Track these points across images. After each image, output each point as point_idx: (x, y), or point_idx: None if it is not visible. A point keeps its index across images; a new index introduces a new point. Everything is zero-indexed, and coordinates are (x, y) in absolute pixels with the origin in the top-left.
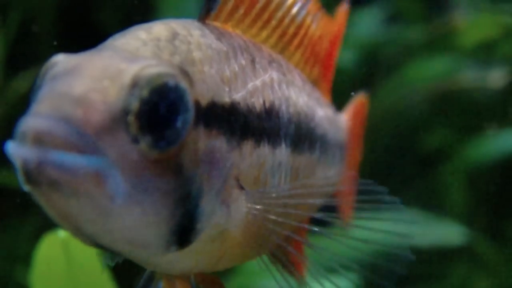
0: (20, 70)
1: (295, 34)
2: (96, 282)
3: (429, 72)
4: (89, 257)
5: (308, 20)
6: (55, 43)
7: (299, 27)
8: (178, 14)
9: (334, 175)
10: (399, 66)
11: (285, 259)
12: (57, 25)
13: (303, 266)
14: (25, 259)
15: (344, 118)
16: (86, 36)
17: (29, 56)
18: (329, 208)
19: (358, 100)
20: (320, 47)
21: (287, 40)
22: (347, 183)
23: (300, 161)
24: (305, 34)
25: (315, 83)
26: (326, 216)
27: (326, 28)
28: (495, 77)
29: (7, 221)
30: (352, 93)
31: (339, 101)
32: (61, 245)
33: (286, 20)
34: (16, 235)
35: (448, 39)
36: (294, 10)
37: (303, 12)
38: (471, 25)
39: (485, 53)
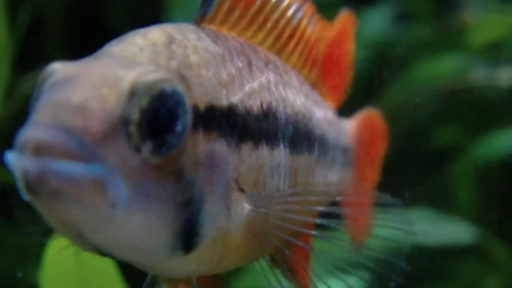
0: (29, 70)
1: (291, 36)
2: (106, 283)
3: (439, 71)
4: (98, 258)
5: (304, 23)
6: (64, 42)
7: (295, 29)
8: (187, 12)
9: (336, 178)
10: (408, 64)
11: (284, 263)
12: (66, 24)
13: (304, 271)
14: (35, 259)
15: (350, 123)
16: (95, 35)
17: (38, 56)
18: (332, 215)
19: (369, 113)
20: (317, 50)
21: (283, 42)
22: (356, 193)
23: (299, 161)
24: (301, 36)
25: (314, 85)
26: (330, 223)
27: (322, 32)
28: (504, 76)
29: (17, 221)
30: (363, 97)
31: (349, 100)
32: (71, 245)
33: (282, 22)
34: (27, 235)
35: (458, 38)
36: (289, 12)
37: (299, 15)
38: (481, 24)
39: (494, 52)
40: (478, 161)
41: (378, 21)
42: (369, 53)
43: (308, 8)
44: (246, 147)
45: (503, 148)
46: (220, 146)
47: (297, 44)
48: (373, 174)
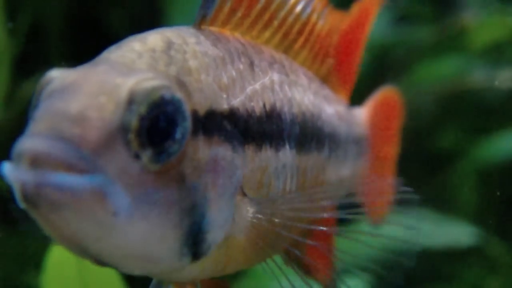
0: (29, 75)
1: (300, 33)
2: (107, 287)
3: (439, 73)
4: None
5: (314, 17)
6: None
7: (304, 25)
8: (186, 17)
9: (349, 171)
10: (409, 67)
11: (299, 260)
12: (66, 29)
13: (325, 265)
14: (37, 263)
15: (362, 112)
16: (95, 40)
17: (38, 61)
18: (350, 206)
19: (383, 93)
20: (330, 43)
21: (292, 39)
22: (372, 179)
23: (307, 161)
24: (311, 31)
25: (325, 79)
26: (349, 213)
27: (335, 23)
28: (505, 78)
29: (18, 225)
30: (363, 100)
31: (350, 101)
32: None
33: (290, 19)
34: (28, 239)
35: (458, 40)
36: (298, 8)
37: (308, 10)
38: (481, 26)
39: (495, 53)
40: (479, 163)
41: (378, 24)
42: (370, 56)
43: (319, 2)
44: (249, 150)
45: (504, 150)
46: (221, 150)
47: (307, 40)
48: (392, 150)
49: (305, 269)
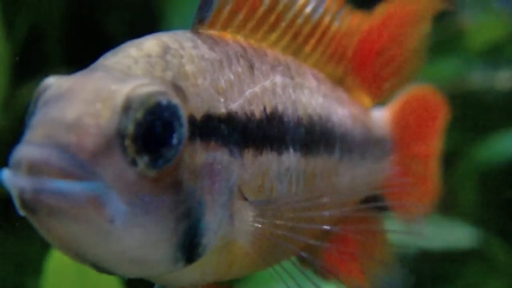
0: (27, 80)
1: (310, 34)
2: None
3: (438, 74)
4: None
5: (327, 19)
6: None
7: (316, 26)
8: (184, 21)
9: (367, 173)
10: None
11: (316, 261)
12: (63, 34)
13: (349, 267)
14: (37, 267)
15: (385, 112)
16: (93, 44)
17: (36, 66)
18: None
19: (414, 91)
20: (347, 44)
21: (302, 41)
22: (396, 178)
23: (315, 163)
24: (324, 33)
25: (342, 81)
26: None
27: (353, 24)
28: (503, 79)
29: (18, 229)
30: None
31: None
32: None
33: (299, 21)
34: (28, 243)
35: (456, 40)
36: (308, 10)
37: (320, 11)
38: (479, 26)
39: (493, 54)
40: (479, 164)
41: None
42: None
43: (333, 2)
44: (249, 154)
45: (503, 151)
46: (219, 155)
47: (319, 42)
48: (429, 149)
49: (324, 272)
